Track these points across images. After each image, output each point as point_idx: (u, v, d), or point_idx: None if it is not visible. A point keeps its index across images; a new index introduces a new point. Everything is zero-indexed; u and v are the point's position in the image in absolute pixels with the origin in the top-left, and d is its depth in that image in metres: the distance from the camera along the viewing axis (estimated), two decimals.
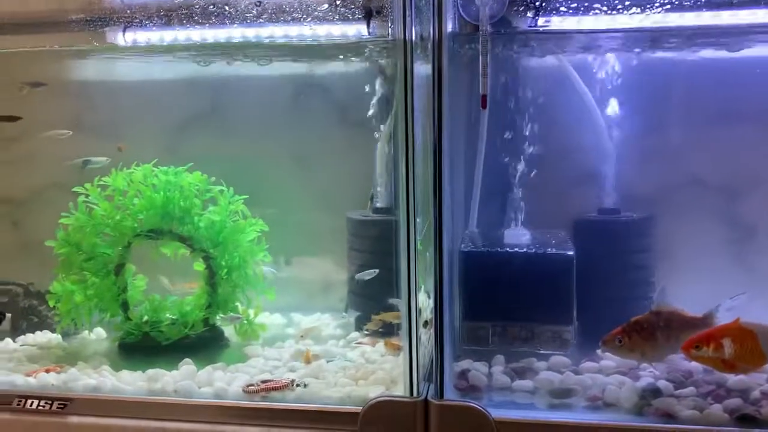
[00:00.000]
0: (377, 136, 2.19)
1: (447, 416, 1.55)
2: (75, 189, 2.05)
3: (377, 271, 1.77)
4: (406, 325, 1.59)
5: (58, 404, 1.73)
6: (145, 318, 2.09)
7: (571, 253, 1.91)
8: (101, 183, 2.05)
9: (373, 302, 2.15)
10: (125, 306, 2.08)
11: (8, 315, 2.04)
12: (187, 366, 1.85)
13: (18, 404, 1.75)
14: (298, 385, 1.71)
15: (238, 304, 2.10)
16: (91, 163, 2.06)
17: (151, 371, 1.81)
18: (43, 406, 1.74)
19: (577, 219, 2.09)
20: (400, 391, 1.63)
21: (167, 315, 2.09)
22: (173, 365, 1.87)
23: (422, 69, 1.59)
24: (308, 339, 2.07)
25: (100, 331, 2.19)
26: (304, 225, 2.30)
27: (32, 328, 2.19)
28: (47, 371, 1.84)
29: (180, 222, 2.06)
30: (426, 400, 1.58)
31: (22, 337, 2.17)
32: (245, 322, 2.09)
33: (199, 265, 2.15)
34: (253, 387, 1.70)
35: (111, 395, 1.73)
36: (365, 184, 2.28)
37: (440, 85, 1.48)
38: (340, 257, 2.30)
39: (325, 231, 2.33)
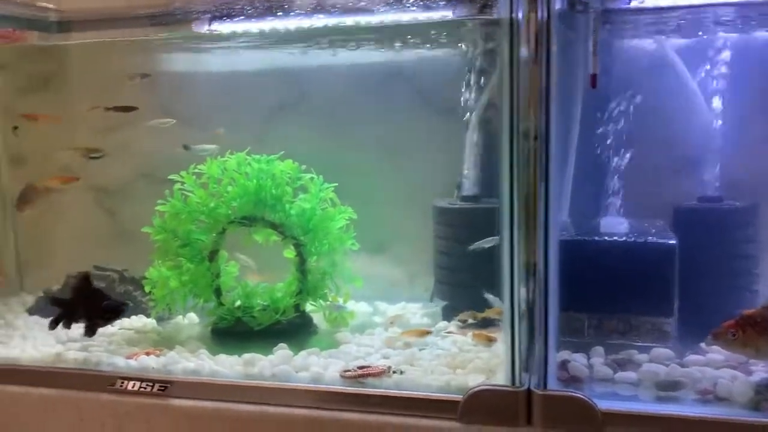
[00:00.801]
0: (466, 122, 2.16)
1: (552, 406, 1.52)
2: (171, 177, 2.10)
3: (497, 238, 1.73)
4: (508, 314, 1.56)
5: (159, 386, 1.78)
6: (238, 303, 2.12)
7: (673, 242, 1.84)
8: (196, 171, 2.09)
9: (460, 291, 2.14)
10: (218, 292, 2.12)
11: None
12: (282, 351, 1.87)
13: (120, 385, 1.81)
14: (394, 372, 1.71)
15: (327, 291, 2.12)
16: (202, 150, 2.10)
17: (247, 355, 1.84)
18: (145, 388, 1.79)
19: (677, 207, 2.02)
20: (500, 380, 1.60)
21: (258, 301, 2.12)
22: (266, 350, 1.90)
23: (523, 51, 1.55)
24: (396, 327, 2.06)
25: (192, 317, 2.24)
26: (389, 213, 2.30)
27: (128, 313, 2.25)
28: (147, 354, 1.89)
29: (272, 209, 2.08)
30: (529, 390, 1.55)
31: (119, 321, 2.24)
32: (338, 310, 2.10)
33: (290, 252, 2.17)
34: (350, 372, 1.71)
35: (210, 378, 1.77)
36: (452, 172, 2.26)
37: (548, 67, 1.44)
38: (425, 246, 2.28)
39: (411, 219, 2.32)
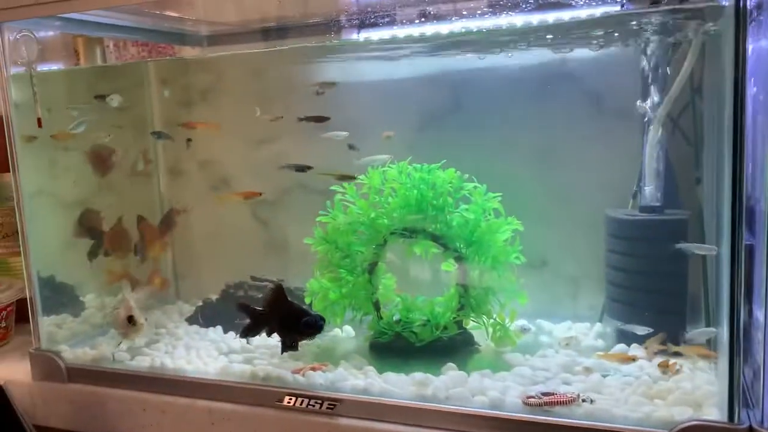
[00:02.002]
0: (645, 123, 1.97)
1: None
2: (333, 188, 2.06)
3: (714, 248, 1.56)
4: (728, 342, 1.37)
5: (328, 404, 1.72)
6: (396, 317, 2.04)
7: None
8: (358, 182, 2.04)
9: (637, 311, 1.95)
10: (377, 305, 2.05)
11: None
12: (454, 372, 1.77)
13: (289, 402, 1.77)
14: (584, 400, 1.56)
15: (490, 307, 1.99)
16: (372, 161, 2.05)
17: (418, 375, 1.75)
18: (313, 406, 1.73)
19: None
20: (713, 415, 1.42)
21: (418, 316, 2.03)
22: (429, 368, 1.80)
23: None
24: (570, 350, 1.90)
25: (348, 330, 2.18)
26: (552, 225, 2.15)
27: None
28: (313, 369, 1.84)
29: (433, 220, 1.99)
30: (751, 428, 1.35)
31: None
32: (500, 327, 1.97)
33: (448, 266, 2.07)
34: (534, 399, 1.58)
35: (381, 398, 1.69)
36: (624, 180, 2.08)
37: (744, 58, 1.25)
38: (592, 260, 2.11)
39: (575, 232, 2.16)
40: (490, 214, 1.99)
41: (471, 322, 2.01)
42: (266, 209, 2.50)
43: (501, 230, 1.97)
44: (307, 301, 2.11)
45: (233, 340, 2.16)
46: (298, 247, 2.20)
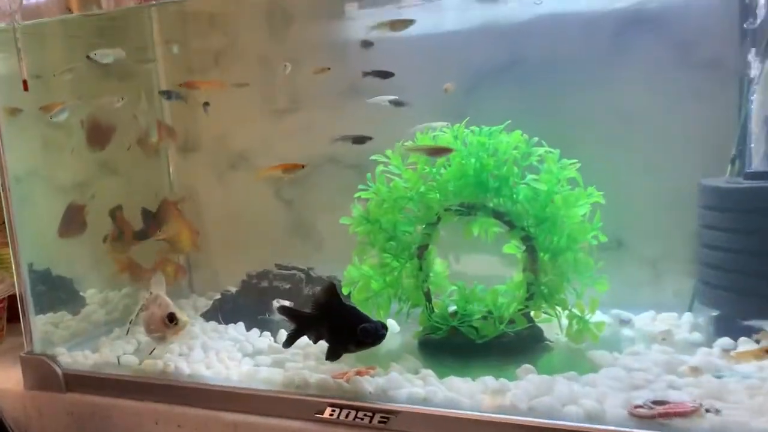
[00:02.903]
0: (750, 79, 1.64)
1: None
2: (374, 157, 1.74)
3: None
4: None
5: (381, 417, 1.41)
6: (452, 309, 1.73)
7: None
8: (404, 148, 1.71)
9: (740, 297, 1.63)
10: (428, 295, 1.74)
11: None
12: (534, 376, 1.45)
13: (331, 414, 1.46)
14: (707, 411, 1.24)
15: (565, 296, 1.67)
16: (428, 128, 1.73)
17: (489, 380, 1.44)
18: (361, 419, 1.43)
19: None
20: None
21: (478, 307, 1.72)
22: (492, 370, 1.51)
23: None
24: (666, 345, 1.59)
25: (392, 325, 1.86)
26: (629, 198, 1.82)
27: None
28: (359, 374, 1.53)
29: (495, 194, 1.67)
30: None
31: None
32: (579, 320, 1.65)
33: (511, 248, 1.75)
34: (643, 409, 1.26)
35: (446, 410, 1.38)
36: (719, 143, 1.75)
37: None
38: (676, 238, 1.80)
39: (657, 205, 1.84)
40: (563, 185, 1.67)
41: (541, 314, 1.70)
42: (291, 188, 2.18)
43: (579, 204, 1.65)
44: (345, 291, 1.80)
45: (258, 338, 1.86)
46: (330, 230, 1.90)
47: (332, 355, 1.53)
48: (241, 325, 1.93)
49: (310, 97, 2.06)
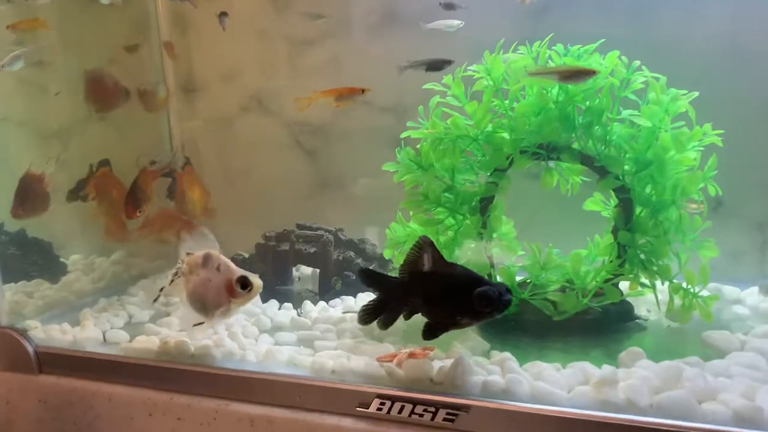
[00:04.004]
0: None
1: None
2: (427, 86, 1.38)
3: None
4: None
5: (447, 414, 1.08)
6: (522, 278, 1.38)
7: None
8: (469, 72, 1.36)
9: None
10: (491, 260, 1.39)
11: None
12: (648, 362, 1.11)
13: (380, 408, 1.12)
14: None
15: (668, 263, 1.33)
16: (448, 27, 1.38)
17: (590, 368, 1.10)
18: (420, 415, 1.09)
19: None
20: None
21: (556, 276, 1.37)
22: (575, 355, 1.20)
23: None
24: None
25: None
26: (730, 144, 1.47)
27: (350, 289, 1.58)
28: (413, 356, 1.19)
29: (585, 131, 1.32)
30: None
31: (339, 300, 1.57)
32: (688, 294, 1.31)
33: (595, 203, 1.41)
34: None
35: (534, 406, 1.04)
36: None
37: None
38: None
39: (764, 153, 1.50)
40: (665, 123, 1.31)
41: (637, 286, 1.36)
42: (314, 136, 1.82)
43: (690, 146, 1.31)
44: (386, 255, 1.46)
45: (278, 311, 1.51)
46: (363, 184, 1.55)
47: (432, 332, 1.14)
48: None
49: (340, 25, 1.70)
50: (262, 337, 1.39)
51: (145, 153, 1.71)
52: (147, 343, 1.37)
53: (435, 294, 1.12)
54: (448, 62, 1.37)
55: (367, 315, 1.17)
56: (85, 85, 1.67)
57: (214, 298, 1.28)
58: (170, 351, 1.33)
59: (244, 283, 1.26)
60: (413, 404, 1.10)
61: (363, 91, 1.43)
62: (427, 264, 1.12)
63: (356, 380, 1.17)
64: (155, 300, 1.45)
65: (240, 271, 1.27)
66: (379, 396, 1.13)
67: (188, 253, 1.34)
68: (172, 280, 1.36)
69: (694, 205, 1.33)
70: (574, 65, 1.29)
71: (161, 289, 1.39)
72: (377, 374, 1.17)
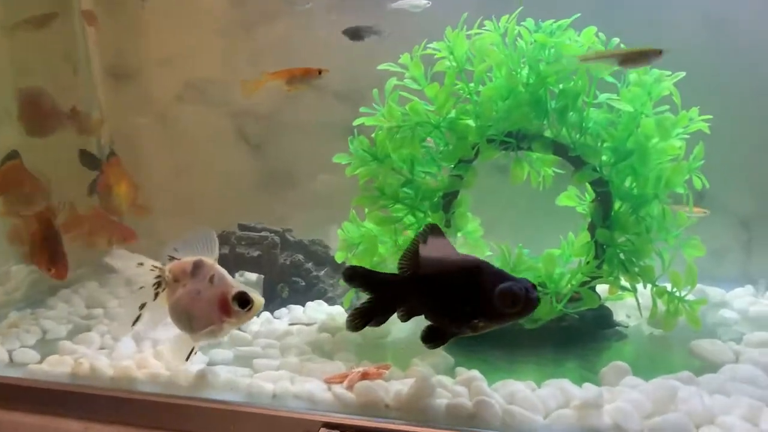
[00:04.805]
0: None
1: None
2: (382, 66, 1.22)
3: None
4: None
5: None
6: None
7: None
8: (427, 50, 1.20)
9: None
10: None
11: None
12: (634, 379, 0.97)
13: None
14: None
15: (651, 264, 1.20)
16: (413, 6, 1.23)
17: (568, 386, 0.96)
18: None
19: None
20: None
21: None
22: (548, 369, 1.08)
23: None
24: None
25: None
26: (714, 134, 1.34)
27: (299, 297, 1.41)
28: (367, 377, 1.03)
29: (558, 118, 1.18)
30: None
31: (285, 311, 1.39)
32: (673, 298, 1.18)
33: (569, 198, 1.27)
34: None
35: None
36: None
37: None
38: None
39: (746, 141, 1.38)
40: (648, 108, 1.18)
41: (617, 289, 1.22)
42: (260, 127, 1.64)
43: (674, 134, 1.18)
44: (338, 258, 1.30)
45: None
46: (313, 179, 1.39)
47: (434, 336, 0.95)
48: None
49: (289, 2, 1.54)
50: (197, 356, 1.21)
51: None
52: (59, 364, 1.18)
53: (444, 292, 0.93)
54: (375, 32, 1.22)
55: (358, 320, 0.97)
56: (19, 105, 1.48)
57: (204, 316, 1.06)
58: (85, 373, 1.15)
59: (243, 301, 1.04)
60: None
61: (320, 72, 1.26)
62: (433, 256, 0.93)
63: (300, 406, 1.01)
64: (135, 322, 1.13)
65: (238, 286, 1.06)
66: (327, 425, 0.96)
67: (171, 258, 1.11)
68: (156, 294, 1.11)
69: (697, 210, 1.22)
70: (635, 48, 1.11)
71: (142, 306, 1.12)
72: (324, 399, 1.01)
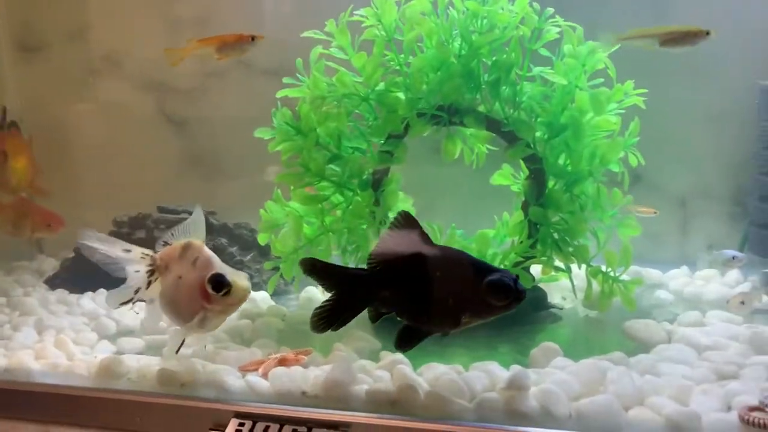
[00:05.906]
0: None
1: None
2: (306, 33, 1.15)
3: None
4: None
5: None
6: None
7: None
8: (354, 17, 1.14)
9: None
10: None
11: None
12: (564, 360, 0.93)
13: (238, 429, 0.89)
14: None
15: (586, 244, 1.16)
16: None
17: (496, 369, 0.91)
18: None
19: None
20: None
21: None
22: (481, 353, 1.02)
23: None
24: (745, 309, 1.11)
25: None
26: (653, 113, 1.32)
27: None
28: (284, 362, 0.96)
29: (491, 91, 1.13)
30: None
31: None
32: (608, 278, 1.14)
33: (504, 177, 1.23)
34: (764, 414, 0.76)
35: (433, 423, 0.83)
36: None
37: None
38: (716, 167, 1.37)
39: (686, 116, 1.36)
40: (582, 81, 1.14)
41: (551, 270, 1.18)
42: (183, 104, 1.54)
43: (609, 108, 1.14)
44: (261, 240, 1.22)
45: (128, 312, 1.23)
46: (239, 157, 1.32)
47: (410, 338, 0.86)
48: (101, 293, 1.30)
49: None
50: (101, 344, 1.11)
51: None
52: None
53: (421, 287, 0.84)
54: None
55: (323, 321, 0.86)
56: None
57: (188, 303, 0.95)
58: None
59: (218, 284, 0.92)
60: (280, 424, 0.87)
61: (253, 38, 1.17)
62: (408, 247, 0.84)
63: (210, 395, 0.93)
64: (130, 301, 1.01)
65: (217, 267, 0.93)
66: (238, 415, 0.89)
67: (165, 243, 0.99)
68: (149, 282, 1.00)
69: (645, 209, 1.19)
70: (680, 27, 1.05)
71: (136, 291, 1.00)
72: (237, 388, 0.93)
